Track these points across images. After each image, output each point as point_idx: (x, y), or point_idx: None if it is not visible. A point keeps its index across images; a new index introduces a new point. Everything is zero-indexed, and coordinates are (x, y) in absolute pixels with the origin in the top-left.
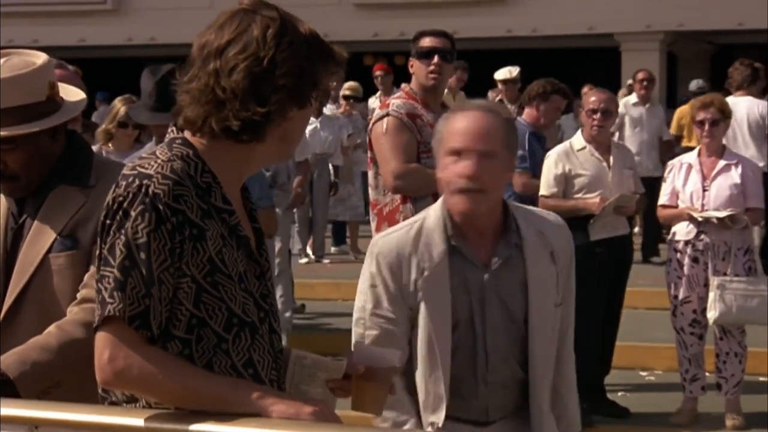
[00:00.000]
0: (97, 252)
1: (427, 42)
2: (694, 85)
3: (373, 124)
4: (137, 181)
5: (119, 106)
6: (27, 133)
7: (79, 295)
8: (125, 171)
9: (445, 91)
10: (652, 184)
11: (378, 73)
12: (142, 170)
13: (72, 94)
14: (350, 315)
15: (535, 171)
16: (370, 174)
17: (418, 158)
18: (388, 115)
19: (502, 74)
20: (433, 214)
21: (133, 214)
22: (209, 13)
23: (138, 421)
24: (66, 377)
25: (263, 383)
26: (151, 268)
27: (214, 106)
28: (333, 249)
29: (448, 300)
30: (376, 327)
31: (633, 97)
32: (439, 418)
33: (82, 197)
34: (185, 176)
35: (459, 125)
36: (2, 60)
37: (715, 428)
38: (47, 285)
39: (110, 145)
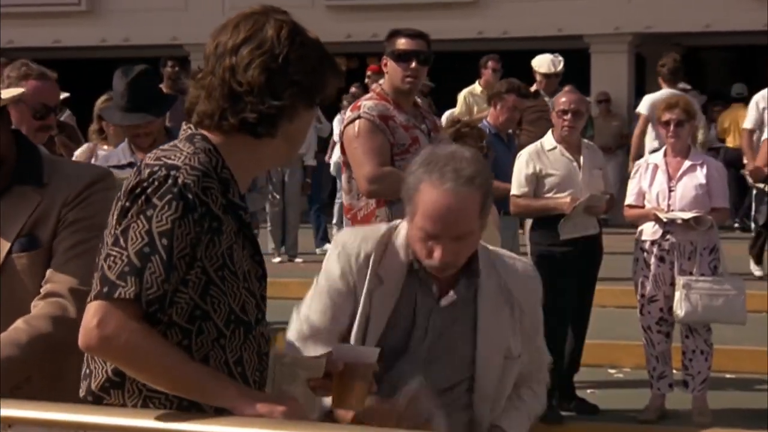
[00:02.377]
0: (109, 231)
1: (403, 44)
2: (735, 90)
3: (345, 126)
4: (164, 171)
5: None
6: None
7: (43, 290)
8: (148, 161)
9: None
10: None
11: (369, 73)
12: (169, 161)
13: (8, 93)
14: None
15: (495, 170)
16: (344, 178)
17: (392, 160)
18: (359, 117)
19: (544, 67)
20: (403, 232)
21: (158, 203)
22: (183, 15)
23: (111, 420)
24: (35, 371)
25: (248, 383)
26: (172, 254)
27: (230, 100)
28: (318, 251)
29: (384, 323)
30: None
31: None
32: None
33: (37, 196)
34: (210, 169)
35: (433, 206)
36: None
37: (682, 424)
38: (13, 285)
39: (105, 146)
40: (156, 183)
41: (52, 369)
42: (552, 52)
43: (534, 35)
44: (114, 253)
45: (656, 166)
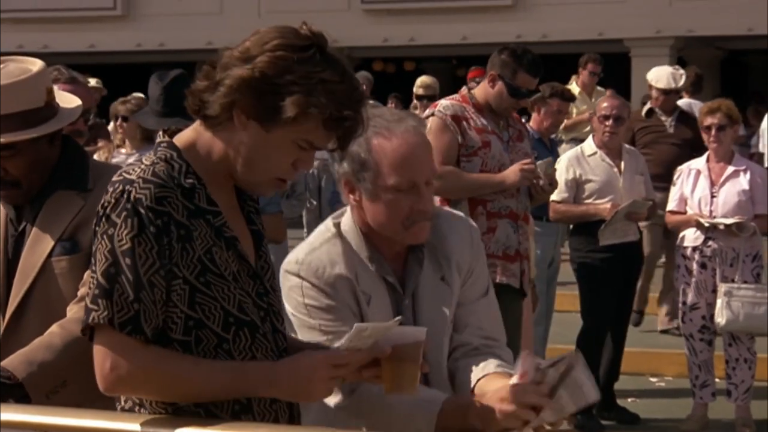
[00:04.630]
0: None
1: (526, 82)
2: None
3: None
4: (120, 187)
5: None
6: (28, 139)
7: (79, 293)
8: (115, 177)
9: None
10: None
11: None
12: (126, 176)
13: (67, 100)
14: None
15: None
16: None
17: (458, 161)
18: (433, 115)
19: (663, 82)
20: (349, 227)
21: (117, 220)
22: (219, 19)
23: (147, 428)
24: (71, 376)
25: None
26: (138, 272)
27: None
28: None
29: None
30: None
31: None
32: None
33: (81, 201)
34: (168, 178)
35: (402, 151)
36: None
37: None
38: (50, 289)
39: (122, 150)
40: (114, 201)
41: (87, 373)
42: (592, 55)
43: (574, 39)
44: (90, 278)
45: (698, 172)
